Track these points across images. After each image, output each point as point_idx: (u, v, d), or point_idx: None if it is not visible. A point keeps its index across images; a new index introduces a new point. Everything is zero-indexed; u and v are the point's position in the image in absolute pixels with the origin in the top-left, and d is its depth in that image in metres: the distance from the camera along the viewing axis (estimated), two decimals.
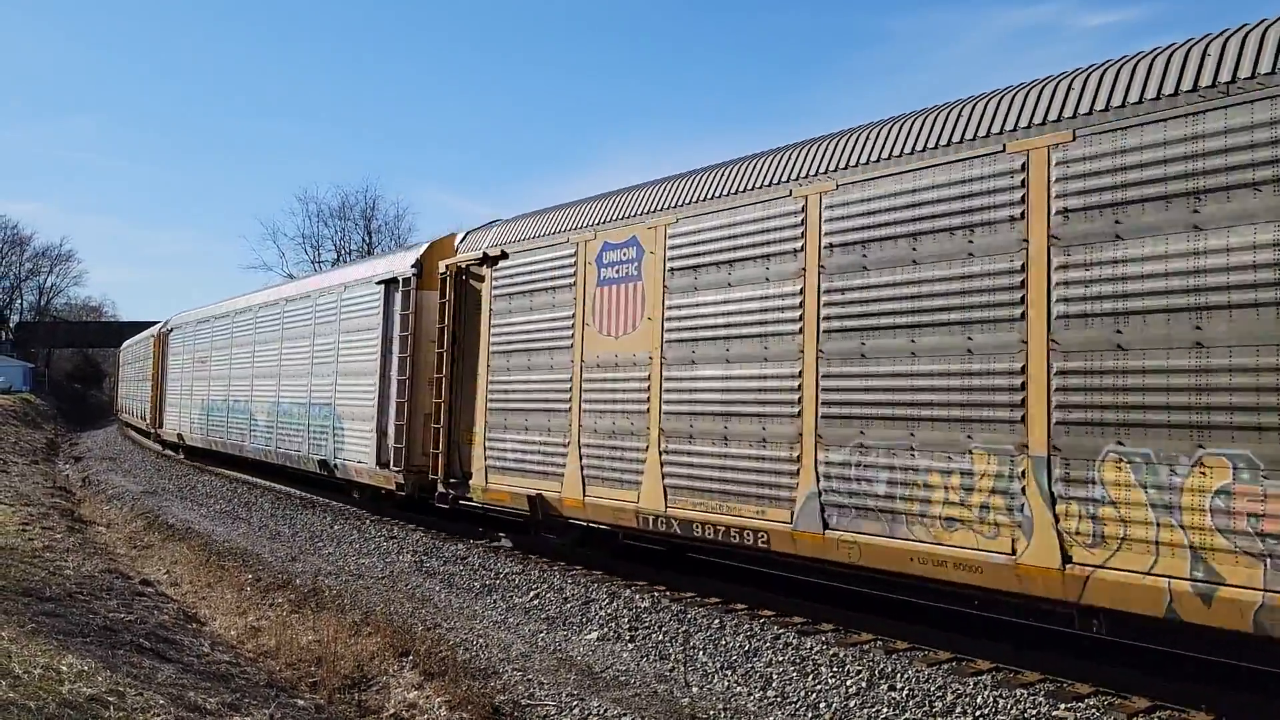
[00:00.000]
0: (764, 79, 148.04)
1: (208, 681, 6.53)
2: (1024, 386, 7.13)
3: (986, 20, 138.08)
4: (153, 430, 33.51)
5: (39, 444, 36.01)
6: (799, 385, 8.82)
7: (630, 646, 8.78)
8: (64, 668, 5.56)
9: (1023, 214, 7.21)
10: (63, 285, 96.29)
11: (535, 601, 10.47)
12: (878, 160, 8.39)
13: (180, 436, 28.72)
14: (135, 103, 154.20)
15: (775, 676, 7.76)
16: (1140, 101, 6.67)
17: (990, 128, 7.58)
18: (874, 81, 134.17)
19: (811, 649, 8.27)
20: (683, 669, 8.10)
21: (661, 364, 10.21)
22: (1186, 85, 6.47)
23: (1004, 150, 7.36)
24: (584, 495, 11.06)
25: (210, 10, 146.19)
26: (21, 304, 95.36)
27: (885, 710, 6.99)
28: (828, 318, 8.63)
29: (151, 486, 22.84)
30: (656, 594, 10.37)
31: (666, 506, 10.05)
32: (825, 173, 8.85)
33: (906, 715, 6.90)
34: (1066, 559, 6.79)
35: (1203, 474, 6.13)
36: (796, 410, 8.81)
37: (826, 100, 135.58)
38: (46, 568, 10.03)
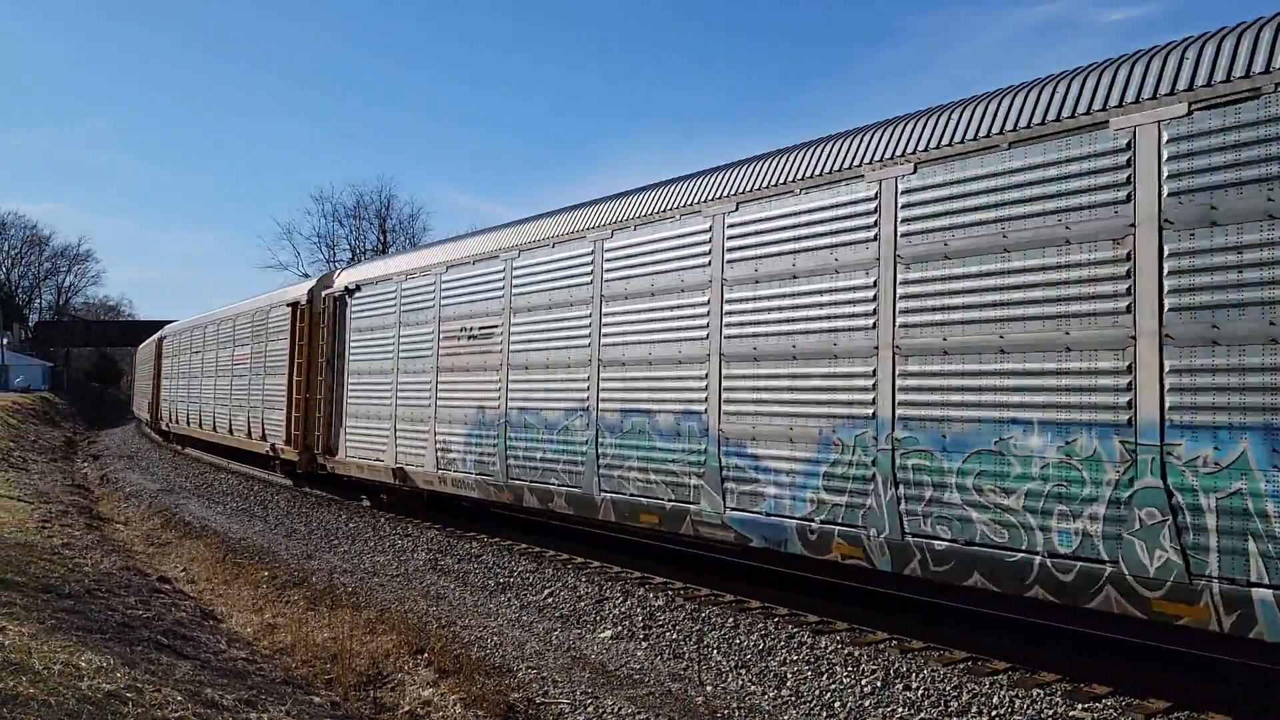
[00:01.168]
0: (779, 77, 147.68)
1: (224, 678, 6.57)
2: None
3: (1004, 17, 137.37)
4: (297, 456, 19.36)
5: (58, 442, 36.30)
6: None
7: (644, 645, 8.78)
8: (83, 664, 5.60)
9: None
10: (81, 285, 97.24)
11: (549, 600, 10.48)
12: None
13: (399, 473, 15.44)
14: (153, 104, 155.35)
15: (790, 675, 7.75)
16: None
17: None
18: (890, 79, 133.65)
19: (826, 648, 8.25)
20: (697, 667, 8.09)
21: None
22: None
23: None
24: None
25: (227, 11, 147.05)
26: (40, 303, 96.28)
27: (900, 710, 6.97)
28: None
29: (168, 485, 23.00)
30: (671, 592, 10.36)
31: None
32: None
33: (922, 715, 6.87)
34: None
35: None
36: None
37: (847, 99, 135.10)
38: (65, 565, 10.11)
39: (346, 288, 18.07)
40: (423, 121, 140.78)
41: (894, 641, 8.44)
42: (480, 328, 13.73)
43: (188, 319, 35.25)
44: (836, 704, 7.14)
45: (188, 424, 30.68)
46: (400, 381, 15.69)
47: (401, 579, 11.63)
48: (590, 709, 6.95)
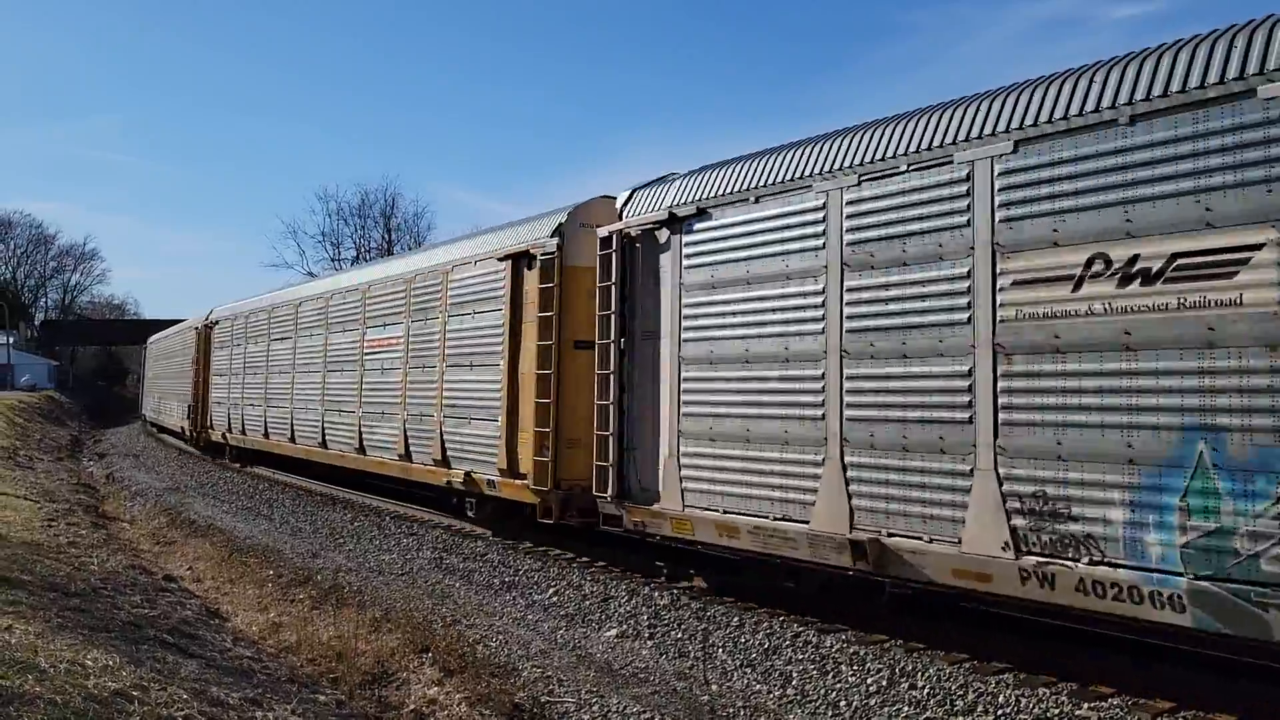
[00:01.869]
0: (783, 73, 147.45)
1: (230, 677, 6.58)
2: None
3: (1011, 13, 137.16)
4: (537, 496, 12.31)
5: (63, 441, 36.39)
6: None
7: (649, 644, 8.78)
8: (89, 662, 5.61)
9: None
10: (86, 284, 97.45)
11: (554, 598, 10.48)
12: None
13: (866, 550, 8.10)
14: (158, 102, 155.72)
15: (795, 674, 7.74)
16: None
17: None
18: (897, 75, 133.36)
19: (831, 647, 8.24)
20: (702, 666, 8.09)
21: None
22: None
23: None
24: None
25: (232, 7, 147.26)
26: (46, 302, 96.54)
27: (906, 709, 6.96)
28: None
29: (174, 483, 23.03)
30: (676, 591, 10.36)
31: None
32: None
33: (927, 714, 6.86)
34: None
35: None
36: None
37: (849, 94, 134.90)
38: (71, 563, 10.13)
39: (671, 215, 10.40)
40: (426, 118, 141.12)
41: (899, 641, 8.42)
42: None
43: (252, 298, 27.04)
44: (842, 703, 7.14)
45: (265, 436, 22.68)
46: (853, 374, 8.44)
47: (407, 578, 11.64)
48: (595, 708, 6.95)
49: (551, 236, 12.59)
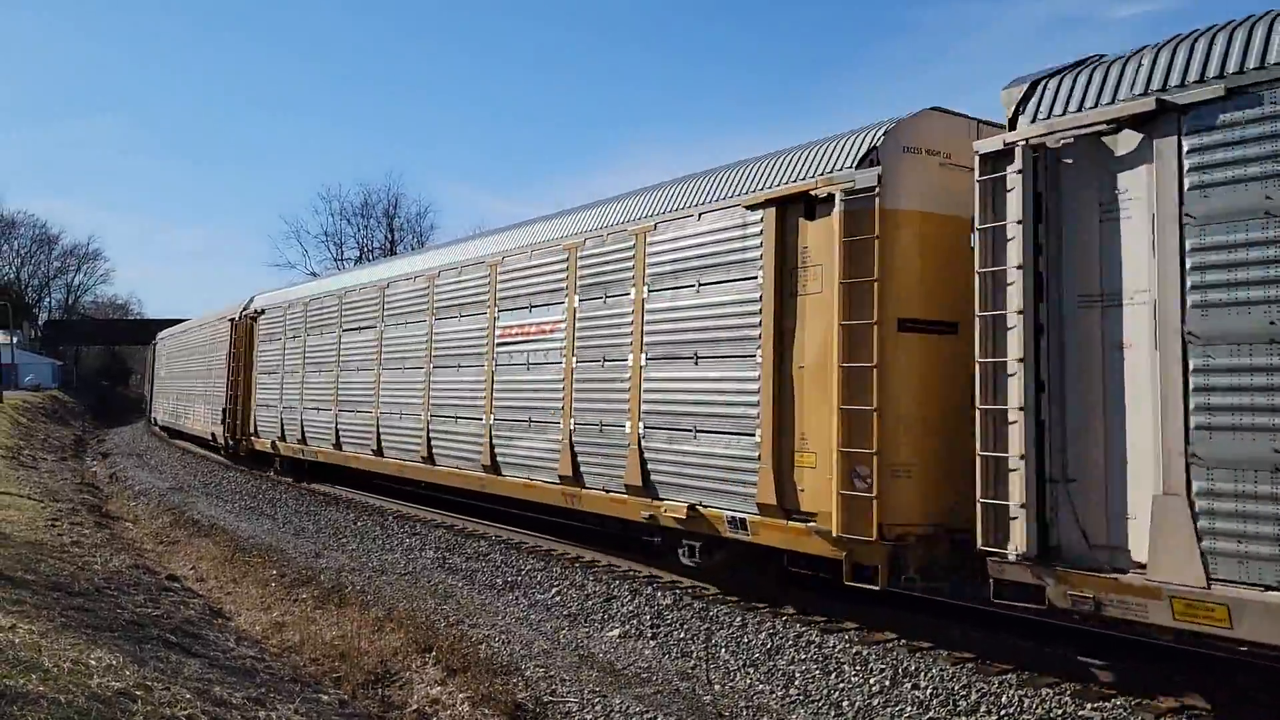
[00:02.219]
0: (788, 71, 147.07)
1: (233, 676, 6.59)
2: None
3: (1015, 11, 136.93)
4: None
5: (67, 440, 36.45)
6: None
7: (652, 644, 8.78)
8: (93, 661, 5.62)
9: None
10: (90, 284, 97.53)
11: (557, 598, 10.49)
12: None
13: None
14: (161, 101, 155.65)
15: (798, 675, 7.74)
16: None
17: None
18: (900, 73, 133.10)
19: (834, 647, 8.24)
20: (705, 666, 8.09)
21: None
22: None
23: None
24: None
25: (235, 9, 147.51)
26: (50, 302, 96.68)
27: (909, 709, 6.95)
28: None
29: (178, 483, 23.07)
30: (679, 591, 10.36)
31: None
32: None
33: (930, 714, 6.86)
34: None
35: None
36: None
37: (853, 93, 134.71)
38: (75, 563, 10.15)
39: (1162, 104, 6.49)
40: (431, 119, 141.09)
41: (902, 641, 8.42)
42: None
43: (312, 280, 23.40)
44: (844, 703, 7.13)
45: (336, 446, 19.02)
46: None
47: (409, 577, 11.65)
48: (598, 707, 6.95)
49: (861, 167, 8.61)
